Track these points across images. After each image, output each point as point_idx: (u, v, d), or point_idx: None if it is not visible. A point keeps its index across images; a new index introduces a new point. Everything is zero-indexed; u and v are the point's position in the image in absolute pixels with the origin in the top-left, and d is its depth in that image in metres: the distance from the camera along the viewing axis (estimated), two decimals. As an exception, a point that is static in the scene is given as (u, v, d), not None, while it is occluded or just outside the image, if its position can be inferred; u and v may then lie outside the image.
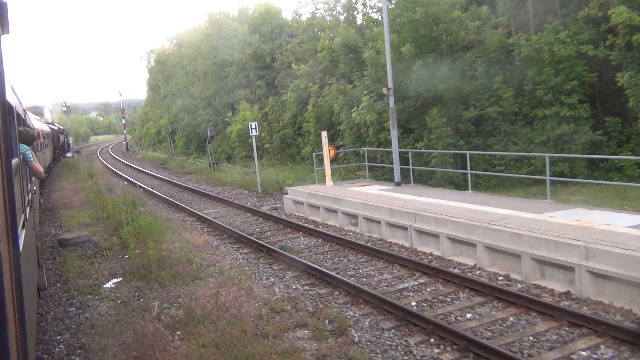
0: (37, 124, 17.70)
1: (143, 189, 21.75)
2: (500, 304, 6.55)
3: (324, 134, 13.85)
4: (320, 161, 14.55)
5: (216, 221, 13.24)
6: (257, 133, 18.71)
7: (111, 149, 68.24)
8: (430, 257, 8.77)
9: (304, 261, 8.79)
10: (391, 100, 12.61)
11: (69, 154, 43.65)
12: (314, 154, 14.29)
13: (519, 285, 7.10)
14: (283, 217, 13.37)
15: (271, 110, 25.47)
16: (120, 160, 43.82)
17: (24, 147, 5.83)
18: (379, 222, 10.24)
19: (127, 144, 62.47)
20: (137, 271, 8.97)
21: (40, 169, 6.54)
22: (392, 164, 14.44)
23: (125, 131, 65.55)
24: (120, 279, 8.87)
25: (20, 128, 6.17)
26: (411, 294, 7.25)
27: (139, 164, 38.31)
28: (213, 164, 27.62)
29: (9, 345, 1.97)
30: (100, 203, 16.13)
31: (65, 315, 7.34)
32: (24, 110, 9.37)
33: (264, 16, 33.08)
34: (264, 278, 8.40)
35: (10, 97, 4.18)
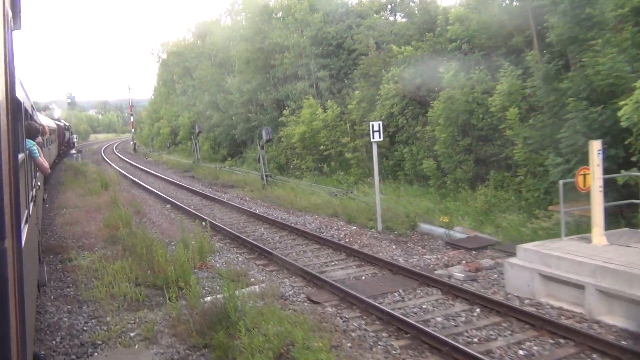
0: (44, 119, 16.48)
1: (182, 211, 15.07)
2: None
3: (596, 144, 7.18)
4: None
5: (387, 309, 6.60)
6: (381, 138, 12.06)
7: (116, 149, 61.33)
8: None
9: None
10: None
11: (73, 151, 37.12)
12: (561, 182, 7.63)
13: None
14: (522, 306, 6.70)
15: (357, 107, 18.79)
16: (132, 164, 37.02)
17: (30, 143, 5.69)
18: None
19: (134, 144, 55.59)
20: None
21: (46, 164, 6.50)
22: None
23: (133, 130, 58.67)
24: None
25: (25, 122, 5.62)
26: None
27: (158, 170, 31.57)
28: (267, 176, 20.96)
29: (11, 340, 1.99)
30: (139, 245, 9.46)
31: None
32: (31, 105, 9.03)
33: (323, -7, 26.61)
34: None
35: (18, 93, 3.91)
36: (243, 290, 7.16)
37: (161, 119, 55.48)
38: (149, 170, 31.37)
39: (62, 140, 29.95)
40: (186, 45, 51.89)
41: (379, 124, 11.87)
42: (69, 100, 34.59)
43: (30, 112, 8.12)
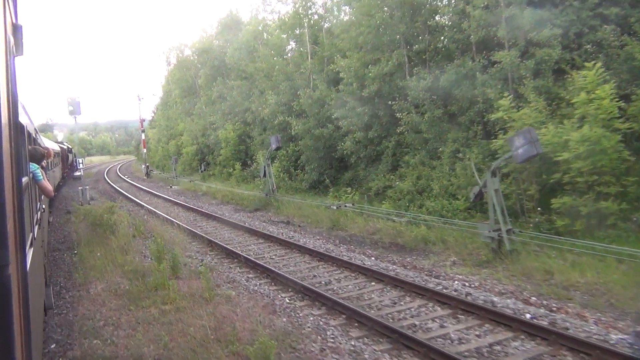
0: (48, 143, 15.78)
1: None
2: None
3: None
4: None
5: None
6: None
7: (121, 172, 49.79)
8: None
9: None
10: None
11: (77, 173, 26.58)
12: None
13: None
14: None
15: None
16: (160, 196, 25.59)
17: (34, 167, 5.73)
18: None
19: (147, 167, 44.15)
20: None
21: (50, 187, 6.48)
22: None
23: (145, 150, 47.19)
24: None
25: (29, 147, 5.76)
26: None
27: (209, 208, 20.29)
28: (508, 232, 9.86)
29: None
30: None
31: None
32: (35, 129, 8.74)
33: None
34: None
35: (21, 117, 3.96)
36: None
37: (179, 135, 44.27)
38: (198, 208, 20.03)
39: (66, 163, 27.28)
40: (210, 43, 41.12)
41: None
42: (71, 108, 23.62)
43: (34, 136, 7.96)
